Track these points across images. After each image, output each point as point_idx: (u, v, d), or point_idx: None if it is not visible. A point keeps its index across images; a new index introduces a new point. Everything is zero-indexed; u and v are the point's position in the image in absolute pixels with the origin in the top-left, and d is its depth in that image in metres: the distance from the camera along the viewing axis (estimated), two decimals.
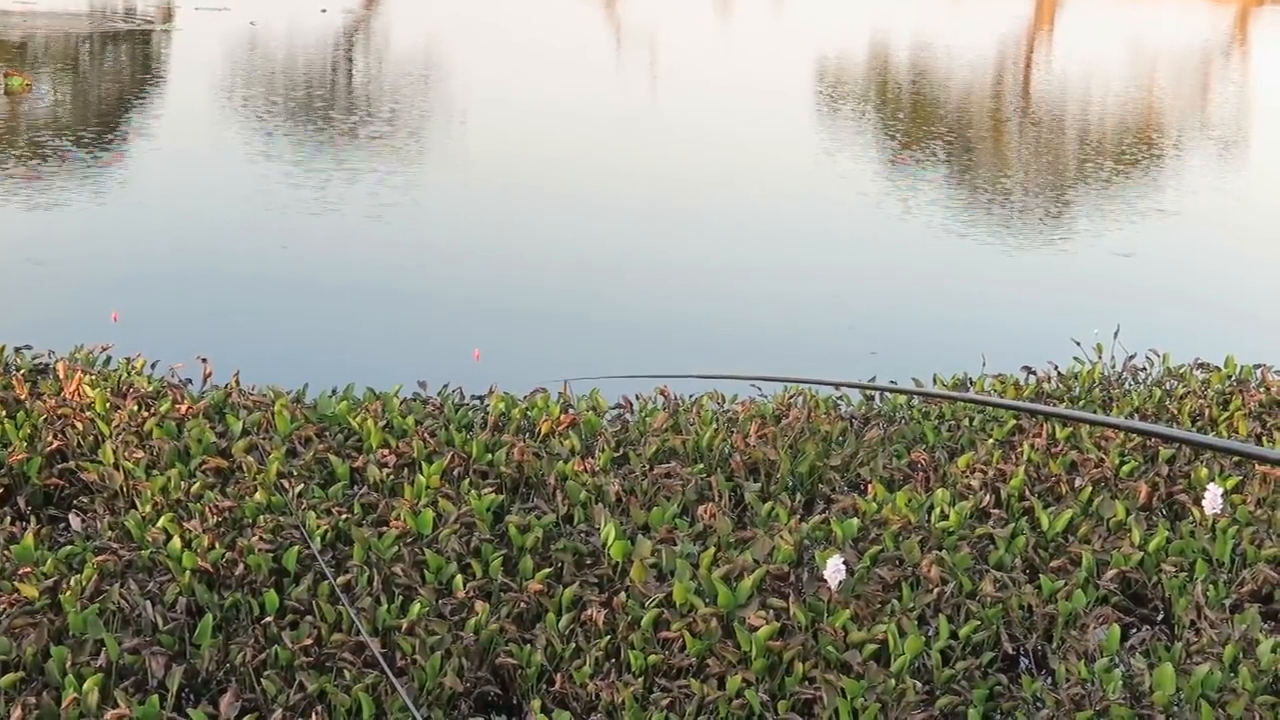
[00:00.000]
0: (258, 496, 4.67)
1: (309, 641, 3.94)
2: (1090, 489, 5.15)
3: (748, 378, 5.69)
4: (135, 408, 5.29)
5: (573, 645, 4.05)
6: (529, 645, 4.05)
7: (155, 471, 4.89)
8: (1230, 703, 3.87)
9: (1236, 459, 5.60)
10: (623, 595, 4.22)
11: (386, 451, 5.12)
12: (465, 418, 5.59)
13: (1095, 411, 6.04)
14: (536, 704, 3.83)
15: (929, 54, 25.37)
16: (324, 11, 25.15)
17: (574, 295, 9.64)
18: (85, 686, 3.64)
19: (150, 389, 5.53)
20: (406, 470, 5.07)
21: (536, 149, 14.66)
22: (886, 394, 6.16)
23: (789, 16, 32.39)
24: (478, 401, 5.81)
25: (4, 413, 5.24)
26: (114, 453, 4.95)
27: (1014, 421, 5.81)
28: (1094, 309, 8.95)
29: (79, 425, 5.18)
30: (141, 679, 3.82)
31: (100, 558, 4.22)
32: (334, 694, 3.75)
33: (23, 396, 5.36)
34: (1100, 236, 12.15)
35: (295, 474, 4.88)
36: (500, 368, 6.39)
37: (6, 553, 4.25)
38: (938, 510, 4.90)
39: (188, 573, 4.19)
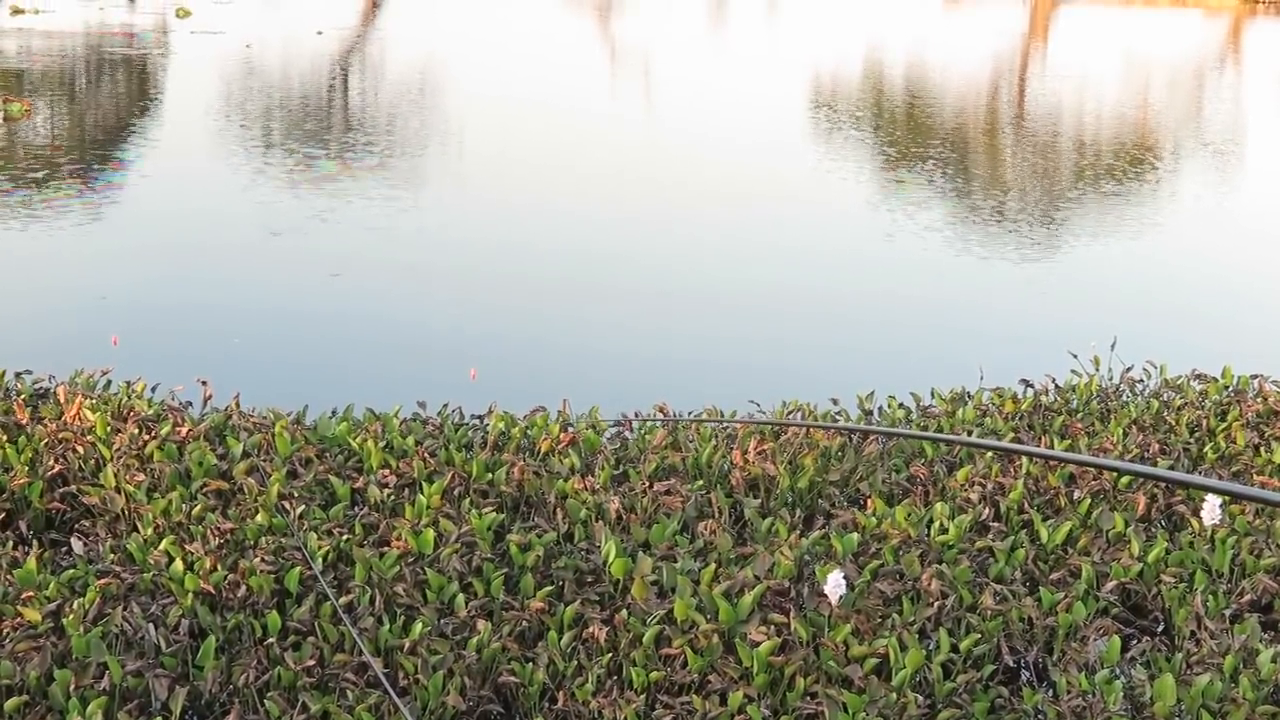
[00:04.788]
0: (259, 518, 4.68)
1: (311, 662, 3.95)
2: (1089, 501, 5.16)
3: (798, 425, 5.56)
4: (136, 431, 5.31)
5: (575, 663, 4.06)
6: (531, 663, 4.06)
7: (156, 494, 4.91)
8: (1231, 713, 3.88)
9: (1235, 470, 5.62)
10: (624, 612, 4.23)
11: (387, 472, 5.14)
12: (465, 437, 5.60)
13: (1093, 423, 6.05)
14: None
15: (924, 67, 25.43)
16: (320, 33, 25.21)
17: (567, 312, 9.65)
18: (89, 709, 3.64)
19: (151, 412, 5.54)
20: (407, 490, 5.09)
21: (532, 170, 14.69)
22: (886, 410, 6.18)
23: (783, 29, 32.46)
24: (477, 421, 5.82)
25: (5, 437, 5.26)
26: (115, 476, 4.96)
27: (1012, 435, 5.83)
28: (1089, 321, 8.97)
29: (80, 449, 5.19)
30: (145, 701, 3.83)
31: (102, 581, 4.23)
32: (337, 714, 3.76)
33: (24, 421, 5.37)
34: (1095, 249, 12.18)
35: (296, 495, 4.90)
36: (498, 388, 6.40)
37: (9, 577, 4.27)
38: (937, 524, 4.91)
39: (190, 595, 4.20)
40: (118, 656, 3.90)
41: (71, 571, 4.33)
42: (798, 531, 4.83)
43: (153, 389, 5.81)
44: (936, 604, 4.39)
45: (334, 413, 5.70)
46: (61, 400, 5.52)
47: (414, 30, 27.73)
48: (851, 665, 4.03)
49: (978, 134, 18.49)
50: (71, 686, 3.76)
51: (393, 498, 4.98)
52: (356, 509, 4.92)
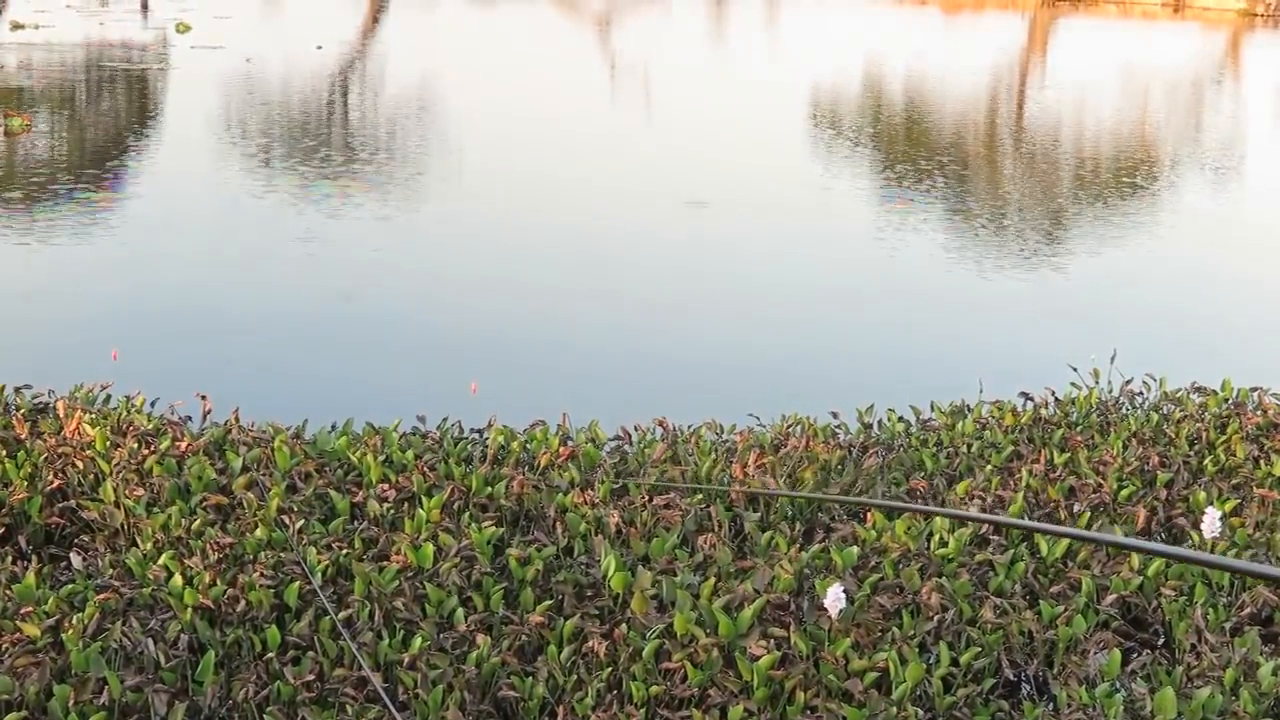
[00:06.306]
0: (258, 532, 4.68)
1: (311, 677, 3.95)
2: (1089, 514, 5.16)
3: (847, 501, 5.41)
4: (135, 445, 5.30)
5: (574, 677, 4.06)
6: (531, 678, 4.06)
7: (156, 509, 4.91)
8: None
9: (1235, 483, 5.61)
10: (624, 626, 4.23)
11: (386, 486, 5.13)
12: (464, 451, 5.60)
13: (1093, 435, 6.05)
14: None
15: (925, 80, 25.47)
16: (319, 48, 25.23)
17: (566, 325, 9.66)
18: None
19: (150, 426, 5.54)
20: (406, 504, 5.09)
21: (532, 184, 14.70)
22: (886, 423, 6.18)
23: (782, 42, 32.53)
24: (477, 435, 5.82)
25: (4, 452, 5.26)
26: (114, 491, 4.96)
27: (1012, 448, 5.83)
28: (1089, 335, 8.97)
29: (79, 464, 5.19)
30: (144, 717, 3.83)
31: (102, 596, 4.23)
32: None
33: (23, 436, 5.37)
34: (1094, 262, 12.19)
35: (296, 509, 4.89)
36: (498, 402, 6.40)
37: (8, 592, 4.26)
38: (937, 537, 4.91)
39: (189, 610, 4.19)
40: (117, 671, 3.90)
41: (70, 586, 4.33)
42: (797, 545, 4.83)
43: (152, 403, 5.81)
44: (936, 617, 4.38)
45: (333, 427, 5.70)
46: (61, 415, 5.52)
47: (414, 45, 27.79)
48: (851, 679, 4.03)
49: (978, 147, 18.51)
50: (71, 702, 3.75)
51: (392, 512, 4.98)
52: (356, 523, 4.92)
